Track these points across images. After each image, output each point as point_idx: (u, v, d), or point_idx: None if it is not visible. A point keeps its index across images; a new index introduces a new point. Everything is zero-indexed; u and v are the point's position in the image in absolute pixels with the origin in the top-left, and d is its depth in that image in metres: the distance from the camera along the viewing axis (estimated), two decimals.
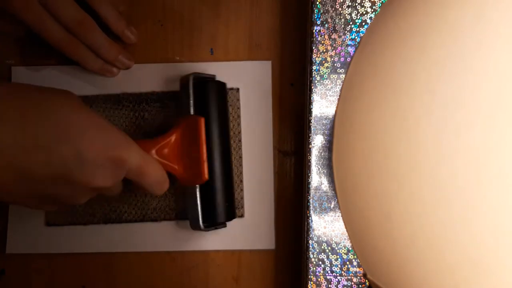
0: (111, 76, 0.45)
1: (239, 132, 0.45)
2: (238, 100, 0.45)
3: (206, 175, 0.41)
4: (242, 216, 0.45)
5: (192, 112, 0.41)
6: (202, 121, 0.41)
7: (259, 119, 0.46)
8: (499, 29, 0.18)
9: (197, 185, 0.41)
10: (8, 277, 0.45)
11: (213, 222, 0.41)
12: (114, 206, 0.45)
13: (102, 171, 0.33)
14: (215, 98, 0.42)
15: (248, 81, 0.46)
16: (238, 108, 0.45)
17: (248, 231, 0.45)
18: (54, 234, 0.45)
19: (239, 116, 0.45)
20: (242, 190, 0.45)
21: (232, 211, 0.43)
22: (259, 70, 0.46)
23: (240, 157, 0.45)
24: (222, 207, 0.41)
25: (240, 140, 0.45)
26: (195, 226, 0.41)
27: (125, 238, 0.45)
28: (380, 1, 0.41)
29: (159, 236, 0.45)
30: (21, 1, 0.40)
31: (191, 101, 0.41)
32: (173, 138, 0.41)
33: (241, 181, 0.45)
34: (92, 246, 0.45)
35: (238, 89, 0.46)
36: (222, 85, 0.44)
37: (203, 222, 0.41)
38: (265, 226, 0.45)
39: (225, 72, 0.46)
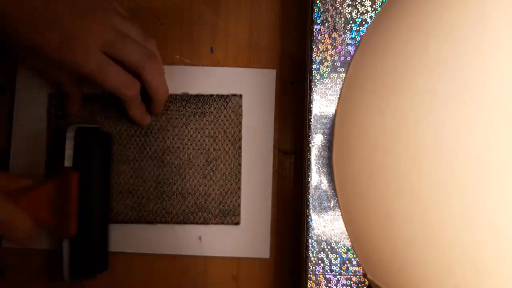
0: (142, 125, 0.45)
1: (240, 139, 0.45)
2: (240, 106, 0.45)
3: (74, 230, 0.40)
4: (238, 223, 0.45)
5: (67, 164, 0.41)
6: (75, 177, 0.40)
7: (261, 124, 0.46)
8: (499, 28, 0.18)
9: (67, 238, 0.40)
10: (8, 276, 0.45)
11: (80, 275, 0.41)
12: (110, 207, 0.45)
13: None
14: (97, 151, 0.42)
15: (252, 88, 0.46)
16: (240, 114, 0.45)
17: (243, 239, 0.45)
18: None
19: (240, 123, 0.45)
20: (239, 197, 0.45)
21: (104, 263, 0.43)
22: (263, 78, 0.46)
23: (239, 165, 0.45)
24: (91, 262, 0.42)
25: (240, 147, 0.45)
26: (63, 276, 0.41)
27: (121, 238, 0.45)
28: (380, 0, 0.41)
29: (154, 239, 0.45)
30: (82, 52, 0.38)
31: (69, 154, 0.41)
32: (45, 189, 0.40)
33: (239, 188, 0.45)
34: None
35: (241, 95, 0.45)
36: (106, 136, 0.44)
37: (71, 273, 0.41)
38: (260, 234, 0.45)
39: (229, 77, 0.46)
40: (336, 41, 0.41)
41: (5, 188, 0.38)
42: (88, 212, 0.41)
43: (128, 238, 0.45)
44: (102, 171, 0.43)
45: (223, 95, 0.45)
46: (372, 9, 0.41)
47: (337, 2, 0.41)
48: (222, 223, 0.45)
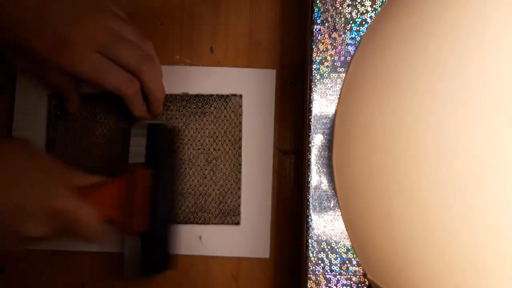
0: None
1: (240, 139, 0.45)
2: (240, 106, 0.45)
3: (145, 227, 0.40)
4: (238, 223, 0.45)
5: (136, 161, 0.41)
6: (149, 175, 0.40)
7: (261, 124, 0.46)
8: (499, 28, 0.18)
9: (137, 236, 0.40)
10: (7, 275, 0.45)
11: (151, 272, 0.41)
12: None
13: (33, 222, 0.34)
14: (166, 148, 0.42)
15: (252, 88, 0.46)
16: (240, 114, 0.45)
17: (243, 239, 0.45)
18: None
19: (240, 123, 0.45)
20: (239, 197, 0.45)
21: (171, 261, 0.43)
22: (263, 78, 0.46)
23: (239, 165, 0.45)
24: (162, 259, 0.41)
25: (240, 147, 0.45)
26: (131, 275, 0.41)
27: (123, 238, 0.45)
28: (380, 0, 0.41)
29: None
30: (77, 54, 0.38)
31: (137, 151, 0.41)
32: (116, 186, 0.40)
33: (239, 188, 0.45)
34: (91, 244, 0.45)
35: (241, 95, 0.45)
36: (174, 131, 0.44)
37: (142, 271, 0.40)
38: (260, 234, 0.45)
39: (229, 77, 0.46)
40: (336, 41, 0.41)
41: (76, 184, 0.39)
42: (160, 209, 0.41)
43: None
44: (173, 168, 0.43)
45: (223, 95, 0.45)
46: (372, 9, 0.41)
47: (337, 2, 0.41)
48: (222, 223, 0.45)
